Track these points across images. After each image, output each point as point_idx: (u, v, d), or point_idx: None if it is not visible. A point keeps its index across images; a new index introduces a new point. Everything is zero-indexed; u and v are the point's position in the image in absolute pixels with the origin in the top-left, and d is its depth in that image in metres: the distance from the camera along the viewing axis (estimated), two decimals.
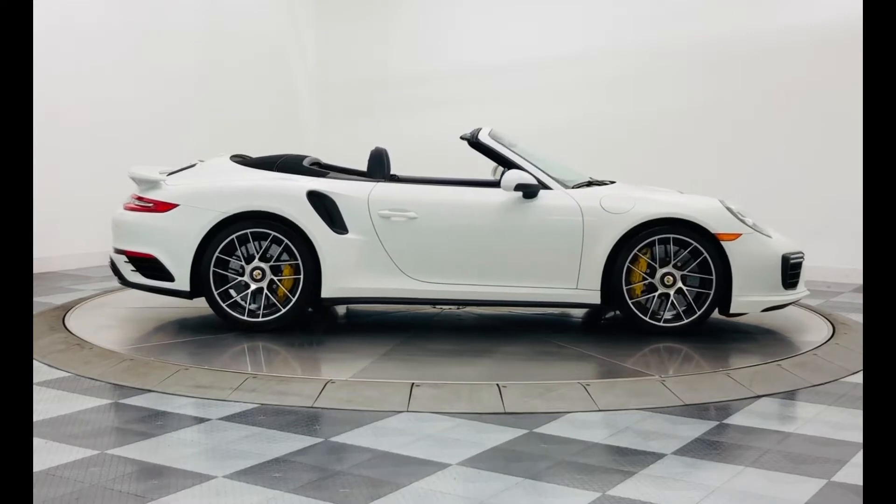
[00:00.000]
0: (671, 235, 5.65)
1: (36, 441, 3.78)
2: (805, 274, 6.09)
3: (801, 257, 5.95)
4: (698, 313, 5.69)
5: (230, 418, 4.16)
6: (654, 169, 9.23)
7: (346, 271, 5.73)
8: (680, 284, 5.70)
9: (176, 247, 5.80)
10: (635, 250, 5.65)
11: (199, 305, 6.62)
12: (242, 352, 5.40)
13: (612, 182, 6.32)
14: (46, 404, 4.34)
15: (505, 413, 4.28)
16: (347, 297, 5.82)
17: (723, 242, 5.61)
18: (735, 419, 4.23)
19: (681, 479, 3.45)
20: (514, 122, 9.01)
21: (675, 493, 3.31)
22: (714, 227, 5.64)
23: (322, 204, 5.78)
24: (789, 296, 5.85)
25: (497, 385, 4.56)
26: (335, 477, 3.44)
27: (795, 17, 8.71)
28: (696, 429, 4.07)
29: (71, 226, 8.95)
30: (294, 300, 5.74)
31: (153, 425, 4.05)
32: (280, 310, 5.77)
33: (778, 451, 3.80)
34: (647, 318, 5.72)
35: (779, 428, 4.11)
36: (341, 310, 6.80)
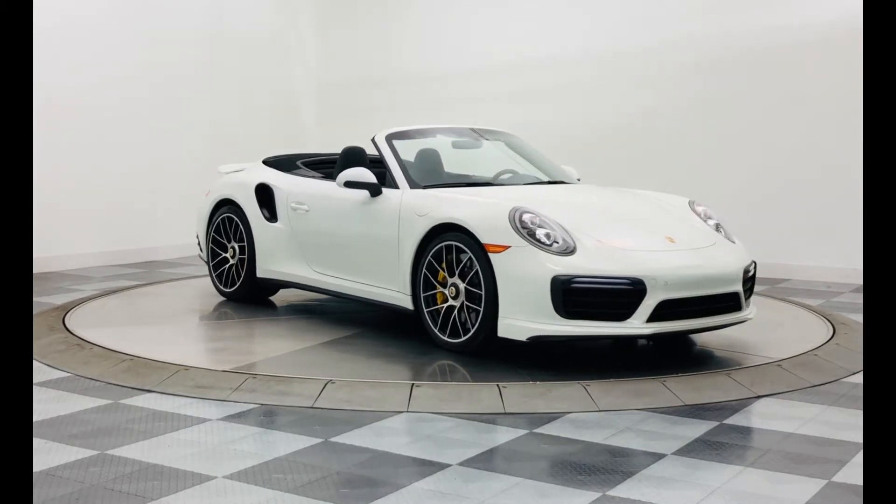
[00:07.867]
0: (453, 243, 5.10)
1: (36, 441, 3.78)
2: (644, 304, 4.74)
3: (611, 283, 4.73)
4: (471, 332, 5.02)
5: (230, 418, 4.16)
6: (654, 169, 9.22)
7: (273, 255, 6.44)
8: (463, 298, 5.06)
9: (200, 226, 7.10)
10: (429, 256, 5.22)
11: (199, 306, 6.63)
12: (241, 351, 5.40)
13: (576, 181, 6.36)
14: (46, 404, 4.34)
15: (505, 413, 4.28)
16: (274, 279, 6.49)
17: (490, 254, 4.89)
18: (735, 419, 4.23)
19: (681, 480, 3.45)
20: (514, 122, 9.01)
21: (675, 493, 3.31)
22: (483, 235, 4.94)
23: (270, 196, 6.52)
24: (580, 327, 4.73)
25: (497, 385, 4.56)
26: (335, 477, 3.44)
27: (797, 18, 8.70)
28: (696, 429, 4.07)
29: (71, 226, 8.95)
30: (243, 276, 6.62)
31: (153, 425, 4.05)
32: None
33: (778, 451, 3.80)
34: (435, 331, 5.23)
35: (779, 428, 4.11)
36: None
